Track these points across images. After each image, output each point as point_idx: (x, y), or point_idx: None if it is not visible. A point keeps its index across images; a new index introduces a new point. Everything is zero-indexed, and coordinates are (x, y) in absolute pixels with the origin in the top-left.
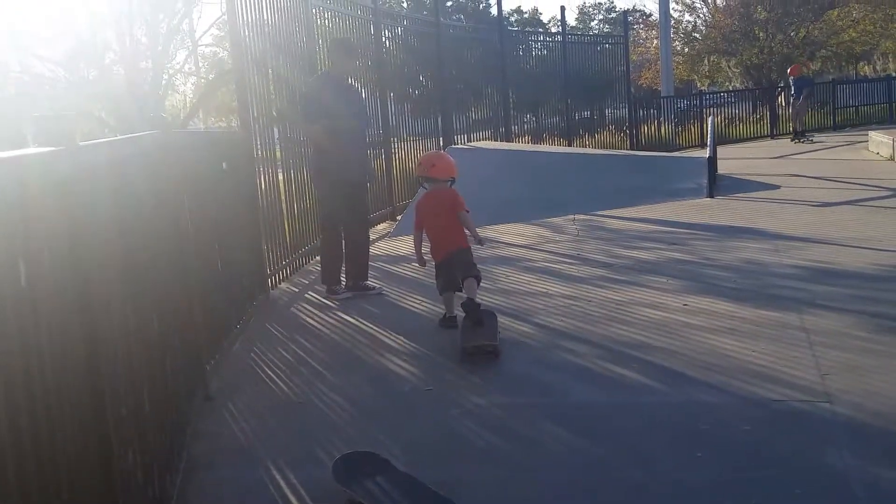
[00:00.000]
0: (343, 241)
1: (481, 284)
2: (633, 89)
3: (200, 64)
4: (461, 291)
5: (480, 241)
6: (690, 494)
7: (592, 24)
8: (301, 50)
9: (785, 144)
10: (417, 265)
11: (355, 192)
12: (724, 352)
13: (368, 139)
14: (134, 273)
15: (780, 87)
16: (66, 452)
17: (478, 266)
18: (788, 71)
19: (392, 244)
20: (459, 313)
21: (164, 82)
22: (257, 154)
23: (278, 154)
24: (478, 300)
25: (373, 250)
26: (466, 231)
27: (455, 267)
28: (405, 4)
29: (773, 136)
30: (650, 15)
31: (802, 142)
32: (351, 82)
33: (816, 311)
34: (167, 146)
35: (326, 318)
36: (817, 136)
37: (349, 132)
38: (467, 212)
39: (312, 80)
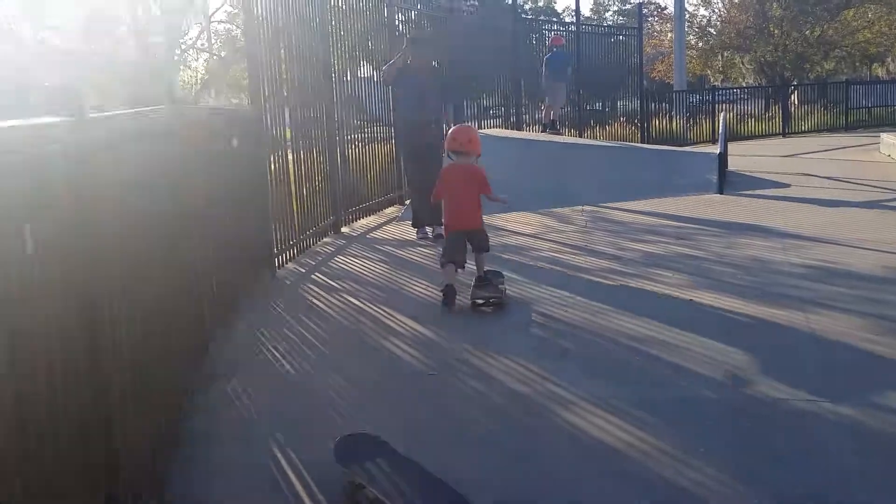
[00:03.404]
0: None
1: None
2: (645, 82)
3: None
4: (463, 269)
5: (505, 201)
6: (691, 489)
7: (607, 15)
8: (314, 31)
9: (796, 142)
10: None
11: (429, 151)
12: (729, 348)
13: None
14: (139, 247)
15: (794, 85)
16: (68, 428)
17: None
18: None
19: (400, 228)
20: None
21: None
22: (267, 133)
23: (288, 134)
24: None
25: (381, 234)
26: (494, 200)
27: (467, 244)
28: None
29: (784, 134)
30: (665, 8)
31: None
32: (431, 65)
33: (822, 310)
34: (176, 121)
35: (332, 299)
36: (829, 136)
37: (424, 108)
38: (500, 197)
39: (396, 70)
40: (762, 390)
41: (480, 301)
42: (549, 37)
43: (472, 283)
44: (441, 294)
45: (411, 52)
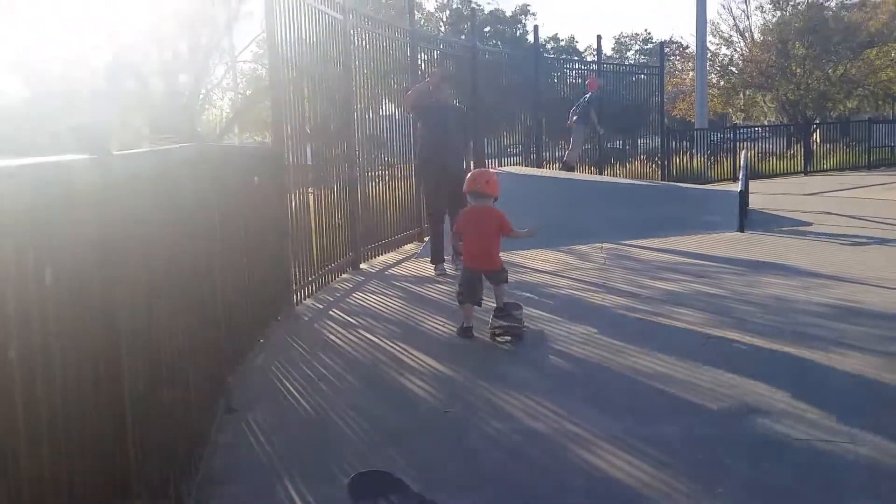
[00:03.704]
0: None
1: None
2: (666, 120)
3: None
4: (480, 306)
5: (530, 233)
6: None
7: (629, 53)
8: (338, 69)
9: (818, 181)
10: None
11: (451, 187)
12: (748, 387)
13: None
14: (161, 283)
15: (816, 124)
16: (83, 457)
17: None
18: None
19: (418, 265)
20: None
21: (201, 97)
22: (289, 171)
23: (309, 172)
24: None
25: (399, 270)
26: (518, 237)
27: (483, 281)
28: (442, 28)
29: (806, 173)
30: (687, 47)
31: None
32: (454, 104)
33: (843, 350)
34: (201, 159)
35: (349, 335)
36: (851, 174)
37: (446, 144)
38: (513, 230)
39: (418, 95)
40: (781, 430)
41: (499, 331)
42: (570, 76)
43: (492, 314)
44: (459, 333)
45: (435, 87)
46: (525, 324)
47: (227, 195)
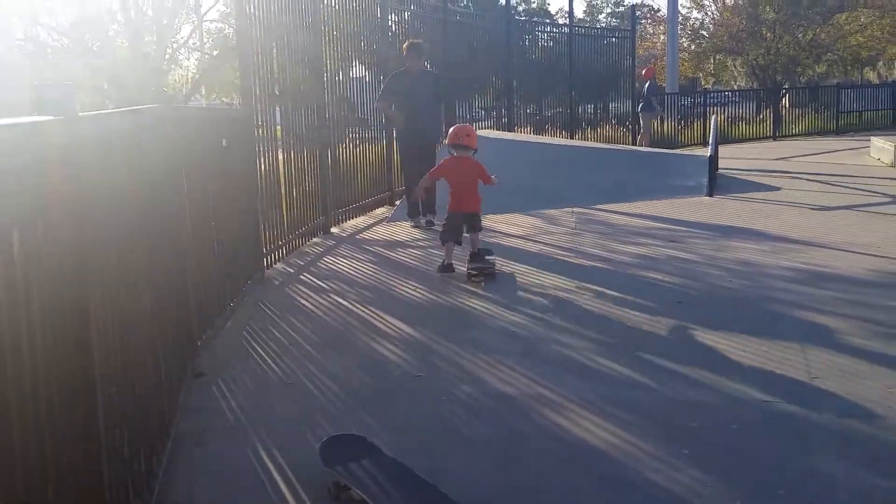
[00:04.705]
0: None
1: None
2: (637, 84)
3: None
4: (460, 245)
5: (496, 181)
6: (675, 492)
7: (600, 17)
8: (307, 30)
9: (787, 146)
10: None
11: (424, 152)
12: (716, 351)
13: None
14: (128, 247)
15: (785, 88)
16: (52, 425)
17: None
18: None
19: (389, 229)
20: (455, 262)
21: (167, 56)
22: (258, 133)
23: (279, 133)
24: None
25: (370, 235)
26: (490, 184)
27: (465, 224)
28: None
29: (775, 138)
30: (658, 10)
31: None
32: (426, 69)
33: (810, 313)
34: (167, 120)
35: (320, 299)
36: (820, 139)
37: (420, 110)
38: (493, 178)
39: (393, 73)
40: (749, 393)
41: (474, 271)
42: (542, 39)
43: (468, 258)
44: (439, 269)
45: (407, 57)
46: (496, 265)
47: (194, 158)
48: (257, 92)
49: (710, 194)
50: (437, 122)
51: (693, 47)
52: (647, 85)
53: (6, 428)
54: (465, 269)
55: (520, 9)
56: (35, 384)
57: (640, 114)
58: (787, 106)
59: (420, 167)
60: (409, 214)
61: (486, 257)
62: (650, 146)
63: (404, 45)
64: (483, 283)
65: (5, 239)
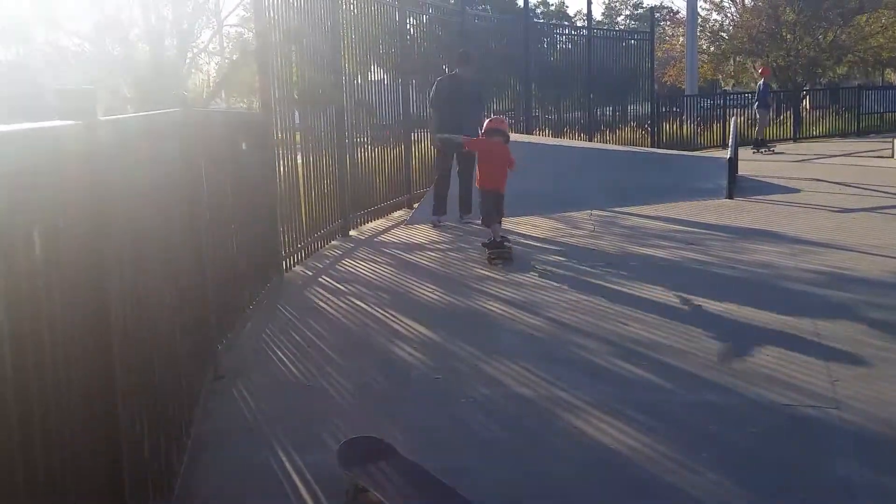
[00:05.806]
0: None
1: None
2: (656, 86)
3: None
4: (503, 219)
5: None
6: (693, 495)
7: (619, 19)
8: (325, 34)
9: (807, 147)
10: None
11: (467, 154)
12: (736, 354)
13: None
14: (148, 249)
15: (806, 90)
16: (73, 424)
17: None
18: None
19: (408, 232)
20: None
21: (187, 61)
22: (277, 136)
23: (298, 137)
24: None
25: (388, 237)
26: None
27: (498, 204)
28: None
29: (796, 139)
30: (677, 12)
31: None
32: (470, 79)
33: (830, 316)
34: (187, 124)
35: (339, 302)
36: (841, 141)
37: (465, 114)
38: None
39: (439, 79)
40: (768, 396)
41: (493, 255)
42: (560, 41)
43: (486, 243)
44: (492, 252)
45: (458, 64)
46: (512, 250)
47: (214, 161)
48: (276, 96)
49: (731, 196)
50: (478, 125)
51: (712, 49)
52: (761, 83)
53: (28, 425)
54: (486, 257)
55: (538, 11)
56: (56, 383)
57: (757, 110)
58: (808, 108)
59: (459, 166)
60: (435, 210)
61: (504, 243)
62: (761, 138)
63: (459, 52)
64: (501, 265)
65: (28, 241)
